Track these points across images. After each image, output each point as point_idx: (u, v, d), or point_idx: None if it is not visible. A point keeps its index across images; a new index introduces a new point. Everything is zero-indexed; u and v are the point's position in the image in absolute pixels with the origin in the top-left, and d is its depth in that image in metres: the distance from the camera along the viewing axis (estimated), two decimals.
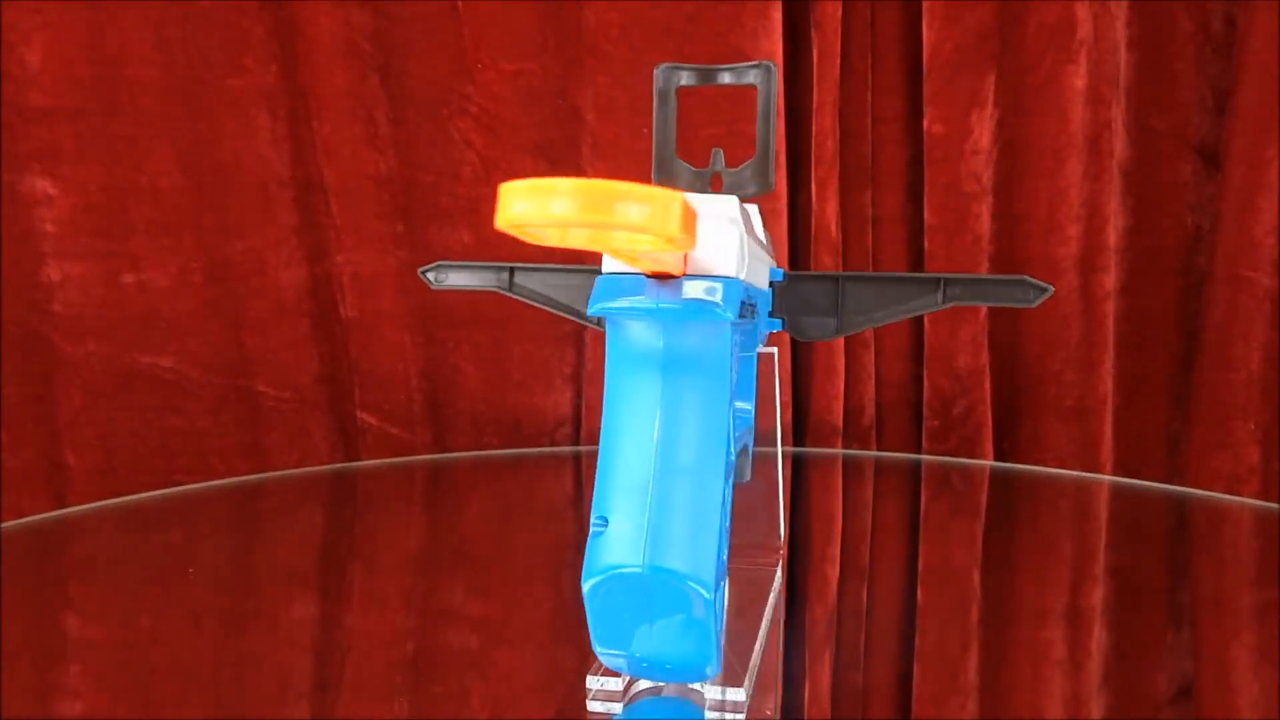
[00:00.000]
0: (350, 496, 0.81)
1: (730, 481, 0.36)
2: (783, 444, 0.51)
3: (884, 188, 0.92)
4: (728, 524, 0.36)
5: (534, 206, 0.24)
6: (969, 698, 0.43)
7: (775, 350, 0.50)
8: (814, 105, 0.87)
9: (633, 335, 0.36)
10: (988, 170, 0.89)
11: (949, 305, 0.46)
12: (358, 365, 0.88)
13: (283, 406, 0.87)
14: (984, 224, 0.89)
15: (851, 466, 0.88)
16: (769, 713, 0.40)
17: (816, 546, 0.66)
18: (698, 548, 0.34)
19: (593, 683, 0.39)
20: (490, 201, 0.87)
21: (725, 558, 0.36)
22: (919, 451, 0.93)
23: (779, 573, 0.52)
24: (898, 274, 0.47)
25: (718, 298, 0.34)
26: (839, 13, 0.87)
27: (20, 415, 0.81)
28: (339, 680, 0.47)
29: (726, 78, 0.49)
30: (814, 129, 0.88)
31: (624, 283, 0.35)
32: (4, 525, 0.66)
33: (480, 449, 0.90)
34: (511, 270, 0.51)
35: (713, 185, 0.48)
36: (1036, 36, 0.87)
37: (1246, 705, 0.44)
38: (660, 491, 0.34)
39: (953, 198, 0.89)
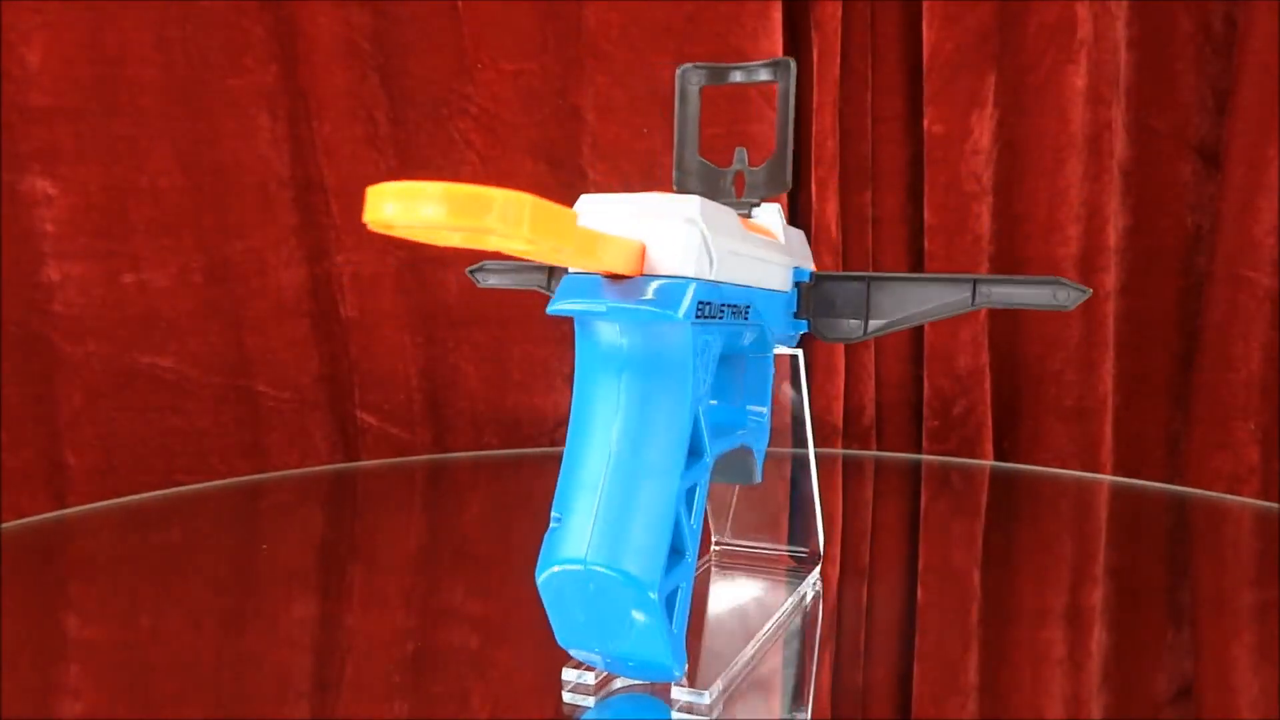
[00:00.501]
0: (350, 496, 0.81)
1: (697, 482, 0.36)
2: (782, 444, 0.51)
3: (884, 188, 0.92)
4: (696, 524, 0.36)
5: (398, 209, 0.25)
6: (969, 698, 0.43)
7: (800, 352, 0.50)
8: (814, 105, 0.87)
9: (597, 336, 0.36)
10: (988, 170, 0.89)
11: (980, 307, 0.45)
12: (358, 365, 0.88)
13: (283, 406, 0.87)
14: (984, 224, 0.89)
15: (851, 466, 0.88)
16: (799, 717, 0.40)
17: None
18: (642, 546, 0.34)
19: (568, 675, 0.40)
20: None
21: (691, 558, 0.36)
22: (919, 451, 0.93)
23: (812, 583, 0.51)
24: (928, 275, 0.47)
25: (664, 298, 0.34)
26: (839, 13, 0.87)
27: (20, 415, 0.81)
28: (339, 680, 0.47)
29: (745, 76, 0.48)
30: (814, 129, 0.88)
31: (583, 283, 0.35)
32: (4, 525, 0.66)
33: (480, 449, 0.90)
34: (550, 270, 0.52)
35: (735, 184, 0.48)
36: (1036, 36, 0.87)
37: (1246, 705, 0.44)
38: (610, 490, 0.35)
39: (953, 198, 0.89)
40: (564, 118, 0.88)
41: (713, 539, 0.54)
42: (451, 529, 0.72)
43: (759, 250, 0.42)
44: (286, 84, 0.84)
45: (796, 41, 0.89)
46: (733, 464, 0.45)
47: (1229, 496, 0.84)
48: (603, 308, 0.34)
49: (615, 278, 0.35)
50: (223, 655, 0.49)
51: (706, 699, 0.38)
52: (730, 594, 0.50)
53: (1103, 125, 0.88)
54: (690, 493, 0.36)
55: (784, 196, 0.86)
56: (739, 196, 0.48)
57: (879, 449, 0.94)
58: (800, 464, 0.51)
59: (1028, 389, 0.93)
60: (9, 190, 0.79)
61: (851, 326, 0.47)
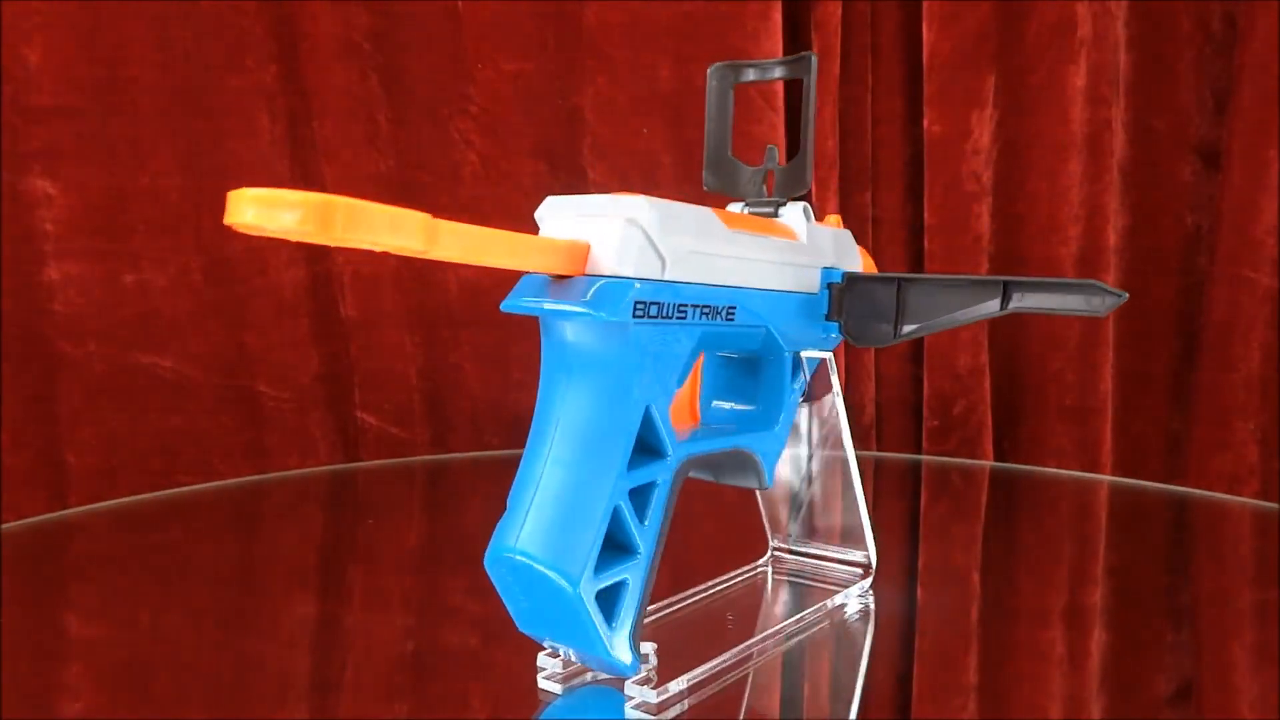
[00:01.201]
0: (350, 496, 0.81)
1: (654, 480, 0.37)
2: (833, 449, 0.50)
3: (884, 188, 0.92)
4: (653, 523, 0.37)
5: (257, 214, 0.28)
6: (969, 698, 0.43)
7: (828, 355, 0.48)
8: (817, 128, 0.88)
9: (551, 334, 0.37)
10: (988, 170, 0.89)
11: (1009, 312, 0.42)
12: (358, 365, 0.88)
13: (283, 406, 0.87)
14: (984, 224, 0.89)
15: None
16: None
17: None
18: (568, 540, 0.35)
19: (542, 661, 0.41)
20: (491, 201, 0.87)
21: (646, 556, 0.37)
22: (919, 451, 0.93)
23: (856, 594, 0.50)
24: (959, 276, 0.46)
25: (598, 298, 0.35)
26: (839, 13, 0.87)
27: (20, 415, 0.81)
28: (339, 680, 0.47)
29: (778, 71, 0.48)
30: (814, 129, 0.88)
31: (531, 283, 0.36)
32: (4, 525, 0.66)
33: (480, 449, 0.90)
34: None
35: (767, 183, 0.47)
36: (1036, 36, 0.87)
37: (1246, 705, 0.44)
38: (545, 484, 0.36)
39: (953, 198, 0.89)
40: (564, 118, 0.88)
41: (770, 544, 0.54)
42: (451, 529, 0.72)
43: (752, 251, 0.42)
44: (286, 84, 0.84)
45: (796, 41, 0.89)
46: (733, 466, 0.44)
47: (1229, 497, 0.84)
48: (539, 307, 0.35)
49: (559, 278, 0.35)
50: (223, 655, 0.49)
51: (654, 698, 0.38)
52: (752, 600, 0.50)
53: (1103, 125, 0.88)
54: (645, 490, 0.37)
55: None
56: (769, 195, 0.47)
57: (879, 449, 0.94)
58: (844, 470, 0.50)
59: (1028, 389, 0.93)
60: (9, 190, 0.79)
61: (883, 331, 0.45)
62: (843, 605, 0.50)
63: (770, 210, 0.46)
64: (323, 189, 0.86)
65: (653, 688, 0.38)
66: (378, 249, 0.29)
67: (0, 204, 0.79)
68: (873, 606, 0.50)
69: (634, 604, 0.37)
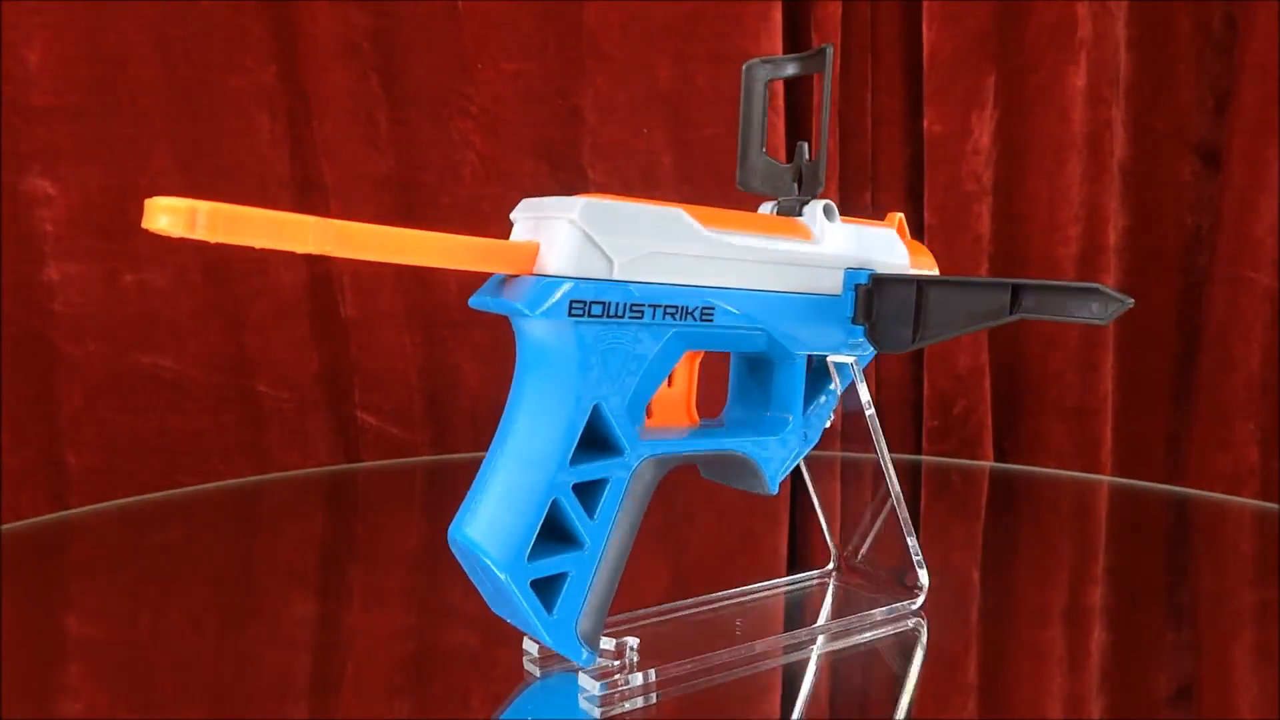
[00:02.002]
0: (350, 497, 0.81)
1: (607, 477, 0.38)
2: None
3: (884, 188, 0.92)
4: (603, 517, 0.38)
5: (169, 222, 0.30)
6: (969, 698, 0.43)
7: (849, 359, 0.46)
8: (814, 105, 0.87)
9: (518, 331, 0.39)
10: (988, 170, 0.89)
11: (1018, 318, 0.40)
12: (358, 365, 0.88)
13: (283, 406, 0.87)
14: (984, 224, 0.89)
15: (851, 466, 0.88)
16: None
17: (817, 546, 0.66)
18: (503, 528, 0.37)
19: (527, 644, 0.43)
20: (491, 201, 0.87)
21: (592, 549, 0.38)
22: (919, 451, 0.93)
23: (890, 612, 0.48)
24: (973, 278, 0.46)
25: (530, 296, 0.36)
26: (839, 13, 0.87)
27: (20, 415, 0.81)
28: (339, 679, 0.47)
29: (802, 67, 0.46)
30: (814, 129, 0.88)
31: (490, 283, 0.39)
32: (4, 525, 0.66)
33: (480, 449, 0.90)
34: None
35: (799, 182, 0.46)
36: (1036, 36, 0.87)
37: (1246, 705, 0.44)
38: (493, 473, 0.38)
39: (953, 198, 0.89)
40: (564, 118, 0.88)
41: (832, 555, 0.53)
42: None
43: (735, 251, 0.41)
44: (286, 84, 0.84)
45: (796, 42, 0.89)
46: (734, 470, 0.44)
47: (1229, 497, 0.84)
48: (484, 301, 0.38)
49: (510, 277, 0.38)
50: (223, 655, 0.49)
51: (598, 690, 0.39)
52: (773, 612, 0.49)
53: (1103, 125, 0.88)
54: (596, 486, 0.38)
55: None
56: (799, 194, 0.46)
57: None
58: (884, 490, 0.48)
59: (1028, 389, 0.93)
60: (9, 190, 0.79)
61: (903, 336, 0.44)
62: (863, 620, 0.47)
63: (794, 209, 0.45)
64: (323, 189, 0.86)
65: (602, 678, 0.39)
66: (264, 247, 0.33)
67: (0, 204, 0.79)
68: (921, 633, 0.47)
69: (578, 595, 0.38)
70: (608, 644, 0.40)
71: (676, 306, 0.39)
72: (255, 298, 0.85)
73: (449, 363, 0.90)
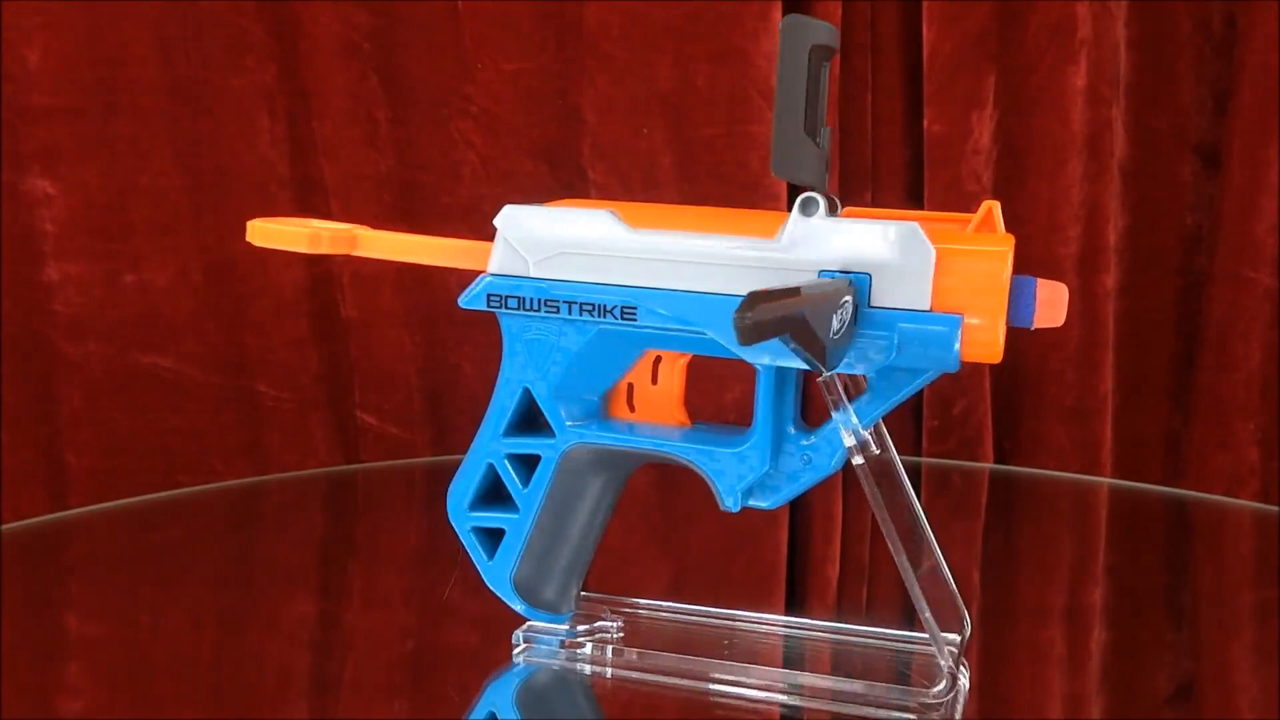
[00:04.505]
0: (350, 497, 0.81)
1: (539, 454, 0.43)
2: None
3: (884, 188, 0.92)
4: (535, 487, 0.43)
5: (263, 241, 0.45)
6: (970, 697, 0.43)
7: (831, 373, 0.40)
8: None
9: None
10: (988, 170, 0.89)
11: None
12: (358, 365, 0.88)
13: (283, 406, 0.87)
14: None
15: (850, 468, 0.88)
16: None
17: (817, 546, 0.66)
18: (457, 481, 0.45)
19: (515, 636, 0.46)
20: (491, 201, 0.87)
21: (525, 515, 0.43)
22: (919, 452, 0.93)
23: (952, 673, 0.40)
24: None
25: (467, 291, 0.43)
26: (839, 13, 0.87)
27: (20, 415, 0.81)
28: (339, 679, 0.47)
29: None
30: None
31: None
32: (4, 525, 0.66)
33: None
34: None
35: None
36: (1036, 36, 0.87)
37: (1246, 705, 0.44)
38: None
39: (953, 198, 0.89)
40: (564, 118, 0.88)
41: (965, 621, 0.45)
42: (451, 529, 0.71)
43: (662, 252, 0.40)
44: (286, 84, 0.84)
45: None
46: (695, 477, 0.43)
47: (1229, 499, 0.84)
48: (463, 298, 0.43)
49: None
50: (223, 655, 0.49)
51: (518, 639, 0.45)
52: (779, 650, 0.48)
53: (1103, 125, 0.88)
54: (530, 459, 0.43)
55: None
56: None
57: None
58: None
59: (1028, 389, 0.92)
60: (9, 190, 0.79)
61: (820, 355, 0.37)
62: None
63: (835, 204, 0.40)
64: (323, 189, 0.86)
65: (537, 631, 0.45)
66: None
67: (0, 204, 0.79)
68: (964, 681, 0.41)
69: (513, 551, 0.44)
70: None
71: (593, 304, 0.41)
72: (255, 298, 0.85)
73: (449, 363, 0.90)
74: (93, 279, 0.81)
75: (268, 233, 0.44)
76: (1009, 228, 0.43)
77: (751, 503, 0.42)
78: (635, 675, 0.43)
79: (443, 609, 0.54)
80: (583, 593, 0.46)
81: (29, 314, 0.80)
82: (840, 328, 0.37)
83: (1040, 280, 0.39)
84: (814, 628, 0.48)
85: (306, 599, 0.56)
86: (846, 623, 0.47)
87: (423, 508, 0.79)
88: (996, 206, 0.42)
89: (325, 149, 0.85)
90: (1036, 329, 0.40)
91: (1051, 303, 0.40)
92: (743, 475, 0.41)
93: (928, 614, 0.41)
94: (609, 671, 0.44)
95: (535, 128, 0.87)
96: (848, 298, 0.37)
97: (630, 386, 0.43)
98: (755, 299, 0.31)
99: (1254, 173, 0.87)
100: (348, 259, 0.87)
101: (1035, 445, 0.92)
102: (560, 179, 0.88)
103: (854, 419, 0.40)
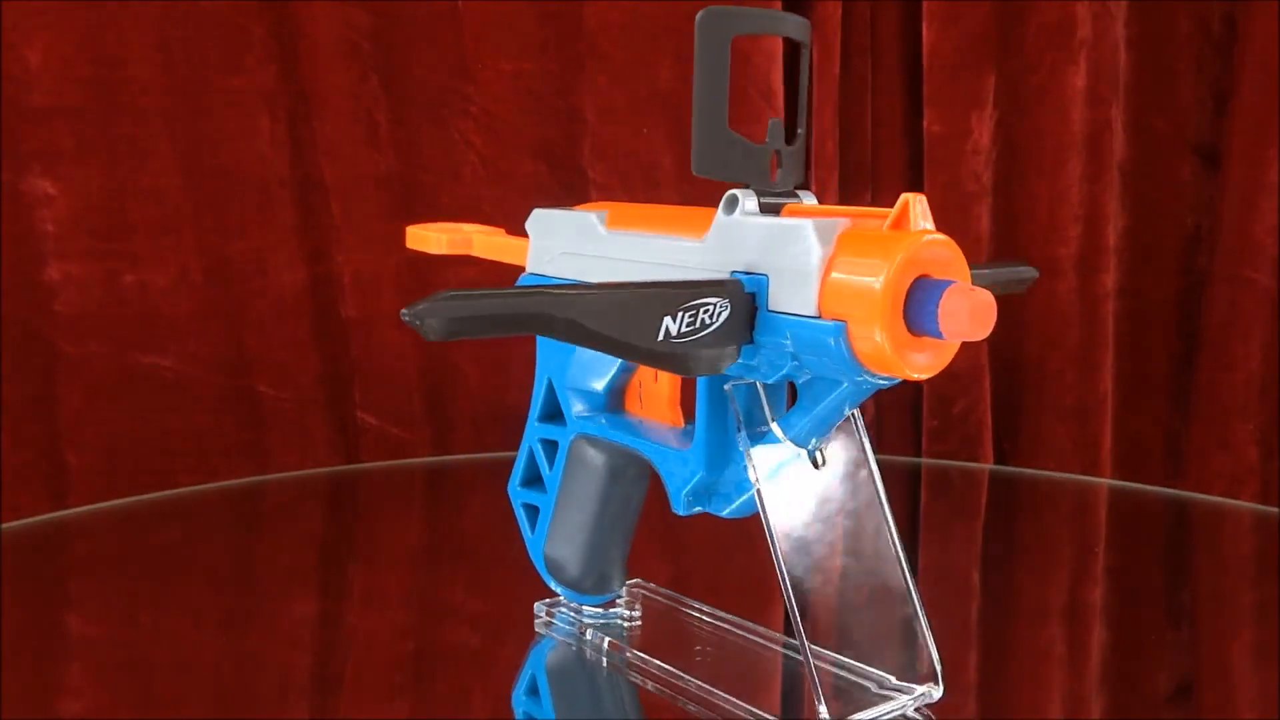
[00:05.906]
0: (350, 497, 0.81)
1: (557, 439, 0.46)
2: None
3: (884, 188, 0.92)
4: (555, 470, 0.46)
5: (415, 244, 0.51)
6: (969, 697, 0.43)
7: (754, 383, 0.39)
8: (814, 105, 0.87)
9: None
10: (988, 170, 0.89)
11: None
12: (358, 365, 0.88)
13: (283, 406, 0.87)
14: (984, 224, 0.89)
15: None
16: None
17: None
18: (514, 470, 0.49)
19: (537, 608, 0.49)
20: (491, 201, 0.87)
21: (548, 490, 0.46)
22: (919, 452, 0.93)
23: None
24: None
25: None
26: (839, 13, 0.87)
27: (20, 415, 0.81)
28: (339, 679, 0.47)
29: (780, 27, 0.40)
30: (814, 129, 0.88)
31: None
32: (4, 525, 0.66)
33: (480, 449, 0.90)
34: None
35: (772, 164, 0.38)
36: (1036, 36, 0.87)
37: (1246, 705, 0.44)
38: None
39: (953, 198, 0.89)
40: (564, 118, 0.88)
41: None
42: (451, 529, 0.72)
43: (627, 252, 0.41)
44: (286, 84, 0.84)
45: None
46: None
47: (1228, 500, 0.84)
48: None
49: None
50: (223, 655, 0.49)
51: (540, 610, 0.48)
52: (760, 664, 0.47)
53: (1103, 125, 0.88)
54: (553, 445, 0.46)
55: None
56: (773, 180, 0.38)
57: (878, 449, 0.94)
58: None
59: (1028, 389, 0.93)
60: (9, 190, 0.79)
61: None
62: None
63: (784, 200, 0.38)
64: (323, 189, 0.86)
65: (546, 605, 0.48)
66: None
67: (0, 204, 0.79)
68: None
69: (544, 526, 0.47)
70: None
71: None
72: (255, 298, 0.85)
73: (449, 363, 0.90)
74: (93, 279, 0.81)
75: (413, 237, 0.51)
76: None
77: (705, 509, 0.40)
78: (631, 673, 0.43)
79: (443, 609, 0.54)
80: (640, 583, 0.49)
81: (29, 314, 0.80)
82: (693, 332, 0.34)
83: (956, 287, 0.32)
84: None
85: (306, 599, 0.56)
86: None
87: (423, 508, 0.79)
88: (916, 200, 0.35)
89: (325, 149, 0.85)
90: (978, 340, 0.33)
91: (959, 313, 0.32)
92: (685, 479, 0.40)
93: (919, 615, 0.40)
94: (604, 661, 0.44)
95: (535, 128, 0.88)
96: (711, 300, 0.34)
97: (640, 384, 0.45)
98: (438, 297, 0.32)
99: (1254, 173, 0.87)
100: (348, 259, 0.88)
101: (1035, 445, 0.92)
102: (560, 179, 0.88)
103: (773, 428, 0.38)
